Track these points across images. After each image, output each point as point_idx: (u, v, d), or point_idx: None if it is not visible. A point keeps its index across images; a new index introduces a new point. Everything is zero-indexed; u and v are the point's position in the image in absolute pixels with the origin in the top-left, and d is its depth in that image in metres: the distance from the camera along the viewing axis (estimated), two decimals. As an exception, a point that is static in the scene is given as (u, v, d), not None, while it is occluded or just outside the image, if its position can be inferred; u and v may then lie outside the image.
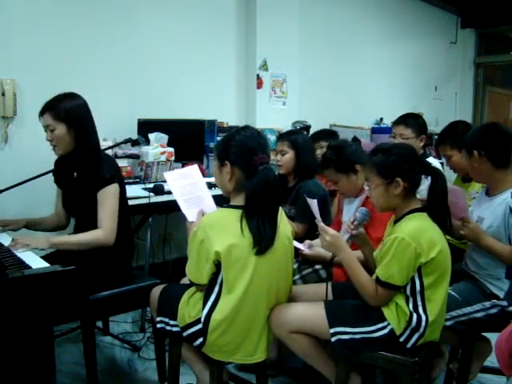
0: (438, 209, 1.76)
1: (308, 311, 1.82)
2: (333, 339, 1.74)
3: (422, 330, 1.69)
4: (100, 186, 2.11)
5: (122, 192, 2.23)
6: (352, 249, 1.89)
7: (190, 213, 1.95)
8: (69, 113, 2.09)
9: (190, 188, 2.03)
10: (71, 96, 2.15)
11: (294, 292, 1.99)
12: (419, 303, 1.70)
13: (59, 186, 2.36)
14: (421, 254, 1.65)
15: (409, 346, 1.71)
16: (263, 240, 1.68)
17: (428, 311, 1.69)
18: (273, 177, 1.71)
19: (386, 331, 1.70)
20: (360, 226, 1.91)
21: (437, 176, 1.77)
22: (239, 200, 1.74)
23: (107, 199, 2.12)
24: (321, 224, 1.87)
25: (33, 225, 2.36)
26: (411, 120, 2.94)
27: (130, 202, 2.45)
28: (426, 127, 3.00)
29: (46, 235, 2.32)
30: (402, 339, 1.70)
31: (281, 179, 2.74)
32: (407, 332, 1.69)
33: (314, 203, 1.95)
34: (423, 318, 1.68)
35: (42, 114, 2.12)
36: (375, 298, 1.72)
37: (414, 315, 1.69)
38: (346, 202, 2.39)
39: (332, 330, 1.74)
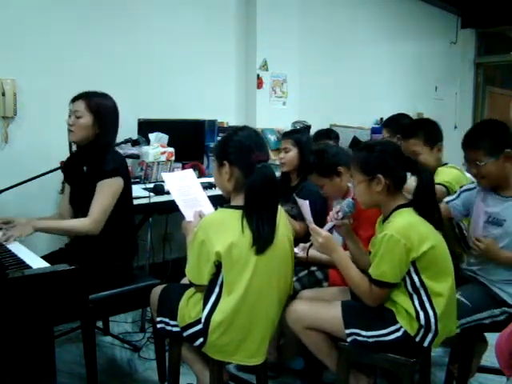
0: (425, 205, 1.74)
1: (325, 310, 1.86)
2: (348, 339, 1.76)
3: (433, 326, 1.68)
4: (100, 178, 2.12)
5: (128, 190, 2.24)
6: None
7: (187, 212, 1.96)
8: (100, 109, 2.16)
9: (187, 189, 2.05)
10: (107, 96, 2.23)
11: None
12: (424, 298, 1.69)
13: (68, 183, 2.36)
14: (411, 249, 1.64)
15: (426, 344, 1.70)
16: (261, 238, 1.68)
17: (435, 305, 1.68)
18: (270, 174, 1.71)
19: (400, 333, 1.70)
20: (345, 217, 1.90)
21: (422, 173, 1.76)
22: (239, 200, 1.74)
23: (104, 191, 2.12)
24: (312, 225, 1.88)
25: None
26: (390, 123, 3.09)
27: (130, 202, 2.44)
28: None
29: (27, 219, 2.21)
30: (417, 339, 1.69)
31: (284, 178, 2.77)
32: (421, 331, 1.69)
33: (305, 204, 1.95)
34: (430, 313, 1.68)
35: (76, 99, 2.17)
36: (370, 297, 1.73)
37: (421, 313, 1.68)
38: (334, 203, 2.39)
39: (348, 331, 1.76)
